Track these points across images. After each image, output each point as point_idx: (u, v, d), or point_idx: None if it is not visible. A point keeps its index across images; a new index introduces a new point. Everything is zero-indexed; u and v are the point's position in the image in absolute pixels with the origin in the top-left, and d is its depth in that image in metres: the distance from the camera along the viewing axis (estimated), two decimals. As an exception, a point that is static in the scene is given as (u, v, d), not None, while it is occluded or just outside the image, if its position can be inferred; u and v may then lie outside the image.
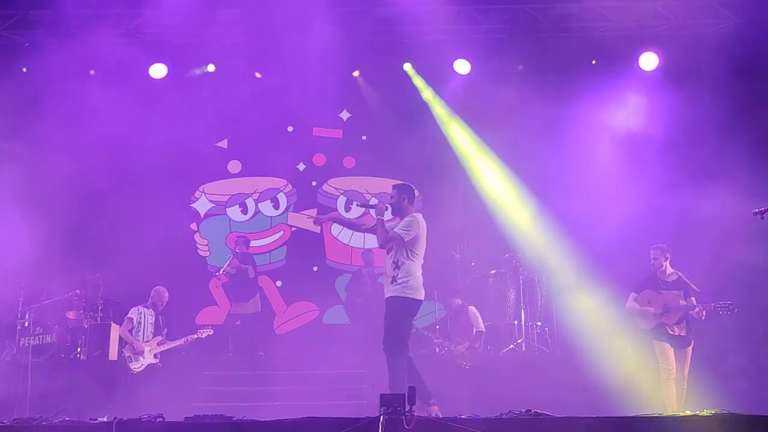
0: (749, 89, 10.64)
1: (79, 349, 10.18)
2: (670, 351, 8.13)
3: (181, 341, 9.49)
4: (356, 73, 12.33)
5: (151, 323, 9.43)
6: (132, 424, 6.15)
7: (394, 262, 7.14)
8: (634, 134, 11.20)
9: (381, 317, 7.12)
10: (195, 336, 9.52)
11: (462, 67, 11.72)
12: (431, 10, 11.14)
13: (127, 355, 9.20)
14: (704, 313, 7.98)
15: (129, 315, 9.40)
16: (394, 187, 7.44)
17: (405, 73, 12.16)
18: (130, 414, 6.70)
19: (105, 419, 6.21)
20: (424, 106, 12.25)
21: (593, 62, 11.51)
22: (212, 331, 9.69)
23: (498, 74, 11.38)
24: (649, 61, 11.34)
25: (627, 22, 11.20)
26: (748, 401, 7.87)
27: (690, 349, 8.15)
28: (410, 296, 7.03)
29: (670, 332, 8.10)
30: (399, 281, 7.04)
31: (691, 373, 8.22)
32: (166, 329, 9.57)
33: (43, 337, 9.88)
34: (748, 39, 10.68)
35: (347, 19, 10.91)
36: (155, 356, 9.30)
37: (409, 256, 7.10)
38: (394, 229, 7.17)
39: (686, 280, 8.17)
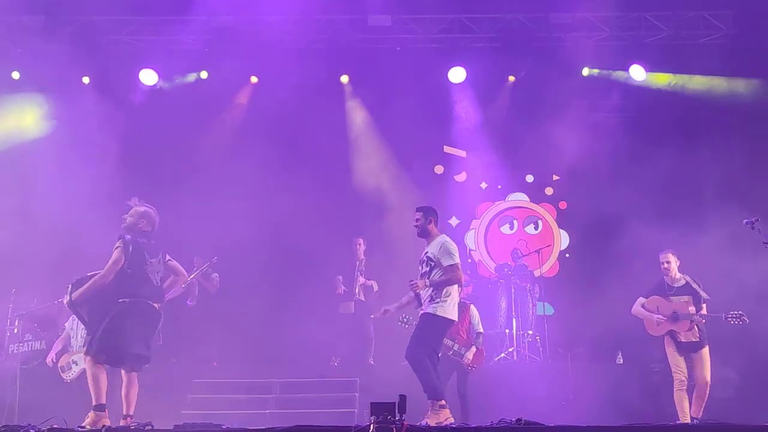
0: (741, 100, 10.66)
1: (68, 356, 10.09)
2: (681, 360, 7.89)
3: None
4: (344, 79, 12.19)
5: (82, 328, 8.82)
6: (121, 431, 6.13)
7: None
8: (626, 143, 11.23)
9: None
10: None
11: (456, 75, 11.72)
12: (424, 19, 11.18)
13: (60, 365, 8.97)
14: (703, 321, 7.79)
15: (63, 329, 9.17)
16: (419, 209, 7.42)
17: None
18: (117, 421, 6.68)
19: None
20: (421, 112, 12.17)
21: (584, 72, 11.52)
22: None
23: (490, 83, 11.38)
24: (638, 71, 11.39)
25: (619, 33, 11.24)
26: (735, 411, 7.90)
27: (705, 351, 7.85)
28: (443, 316, 7.04)
29: (682, 339, 7.86)
30: (436, 300, 7.06)
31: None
32: None
33: (32, 344, 9.80)
34: (739, 50, 10.74)
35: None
36: None
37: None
38: (444, 265, 7.06)
39: (694, 285, 7.92)
